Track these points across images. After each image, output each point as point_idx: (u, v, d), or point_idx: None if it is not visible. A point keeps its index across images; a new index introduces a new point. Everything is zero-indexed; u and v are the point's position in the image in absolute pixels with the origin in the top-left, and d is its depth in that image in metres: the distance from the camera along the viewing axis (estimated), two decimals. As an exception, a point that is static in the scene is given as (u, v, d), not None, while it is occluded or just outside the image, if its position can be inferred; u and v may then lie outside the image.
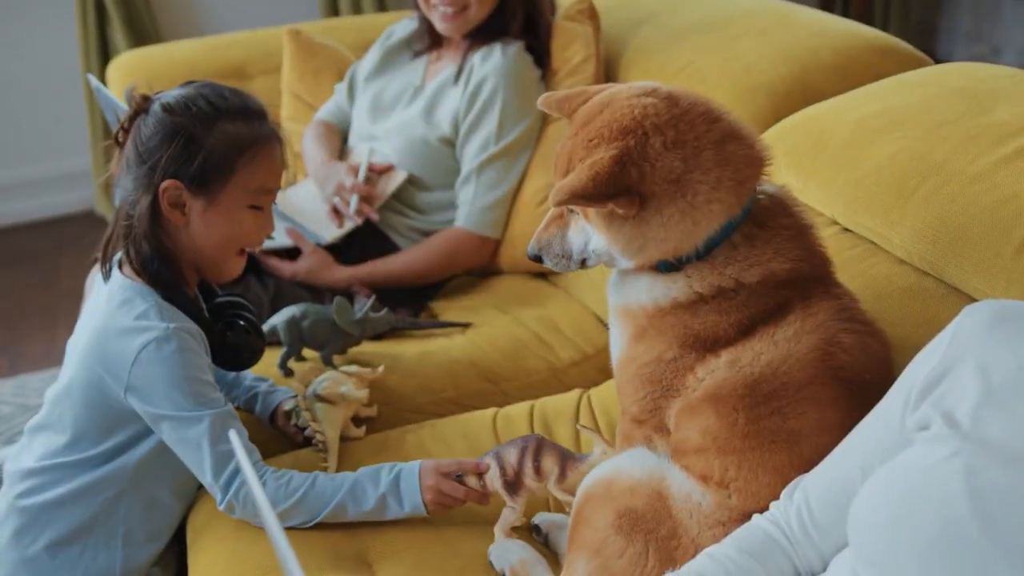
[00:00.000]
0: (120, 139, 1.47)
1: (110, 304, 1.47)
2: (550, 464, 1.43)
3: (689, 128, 1.23)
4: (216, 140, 1.44)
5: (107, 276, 1.50)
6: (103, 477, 1.52)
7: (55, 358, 3.03)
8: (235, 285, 1.88)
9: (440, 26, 2.25)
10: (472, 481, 1.47)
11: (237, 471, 1.44)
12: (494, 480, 1.46)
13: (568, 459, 1.43)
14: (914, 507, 0.91)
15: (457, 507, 1.49)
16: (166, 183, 1.43)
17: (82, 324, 1.54)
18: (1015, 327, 0.94)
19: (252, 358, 1.61)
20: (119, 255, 1.50)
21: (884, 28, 4.31)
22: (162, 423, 1.45)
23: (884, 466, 0.98)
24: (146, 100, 1.45)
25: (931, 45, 4.60)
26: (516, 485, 1.45)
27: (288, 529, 1.46)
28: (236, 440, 0.88)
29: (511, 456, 1.45)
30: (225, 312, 1.60)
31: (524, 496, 1.45)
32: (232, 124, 1.45)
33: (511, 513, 1.46)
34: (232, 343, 1.56)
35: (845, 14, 4.16)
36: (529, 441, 1.46)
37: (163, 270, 1.46)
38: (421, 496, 1.46)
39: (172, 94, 1.46)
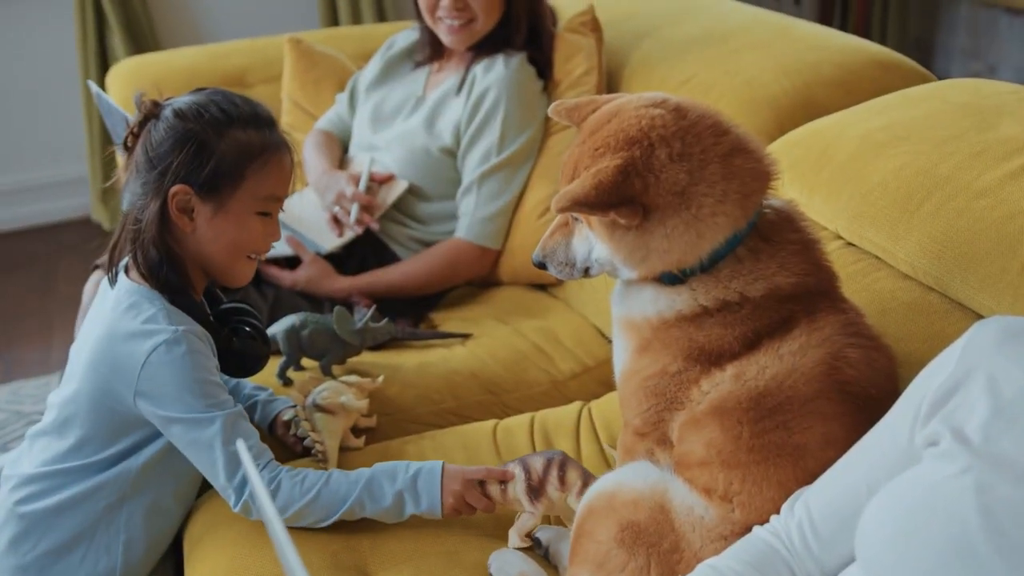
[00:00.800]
0: (129, 144, 1.47)
1: (117, 309, 1.46)
2: (574, 477, 1.46)
3: (696, 140, 1.22)
4: (227, 147, 1.43)
5: (113, 281, 1.50)
6: (105, 482, 1.51)
7: (50, 365, 3.02)
8: (234, 293, 1.87)
9: (446, 38, 2.25)
10: (494, 489, 1.48)
11: None
12: (517, 485, 1.47)
13: (590, 477, 1.45)
14: (923, 523, 0.91)
15: (468, 514, 1.49)
16: (176, 188, 1.42)
17: (86, 330, 1.53)
18: (1024, 343, 0.94)
19: (257, 364, 1.60)
20: (126, 260, 1.49)
21: (881, 44, 4.32)
22: (173, 426, 1.44)
23: (892, 481, 0.98)
24: (156, 106, 1.45)
25: (928, 62, 4.60)
26: (539, 491, 1.46)
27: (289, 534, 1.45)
28: (245, 452, 0.86)
29: (537, 464, 1.48)
30: (231, 318, 1.60)
31: (544, 503, 1.46)
32: (243, 131, 1.45)
33: (530, 519, 1.47)
34: (238, 349, 1.55)
35: (843, 30, 4.17)
36: (556, 455, 1.49)
37: (170, 275, 1.45)
38: (441, 498, 1.46)
39: (183, 100, 1.46)
